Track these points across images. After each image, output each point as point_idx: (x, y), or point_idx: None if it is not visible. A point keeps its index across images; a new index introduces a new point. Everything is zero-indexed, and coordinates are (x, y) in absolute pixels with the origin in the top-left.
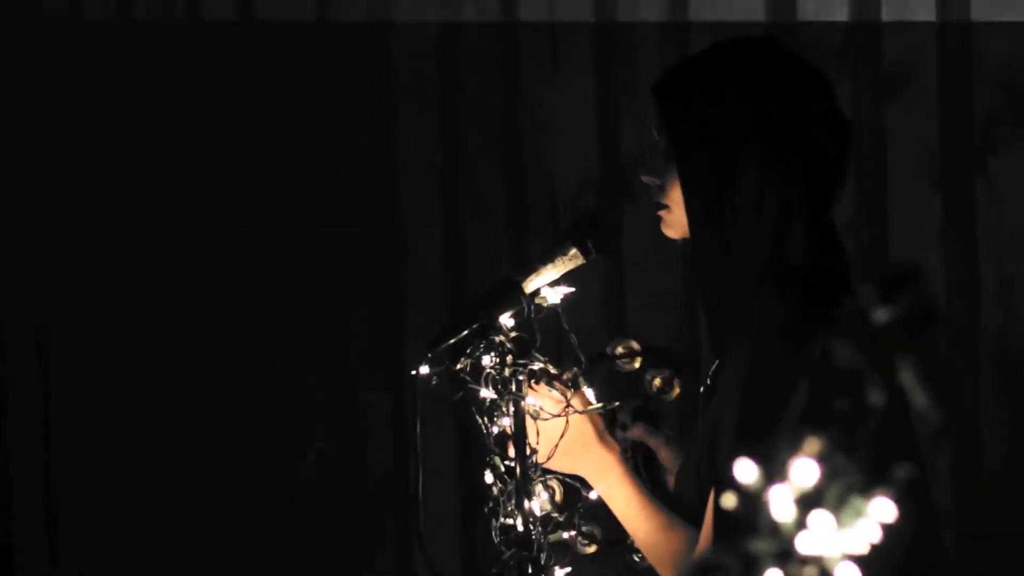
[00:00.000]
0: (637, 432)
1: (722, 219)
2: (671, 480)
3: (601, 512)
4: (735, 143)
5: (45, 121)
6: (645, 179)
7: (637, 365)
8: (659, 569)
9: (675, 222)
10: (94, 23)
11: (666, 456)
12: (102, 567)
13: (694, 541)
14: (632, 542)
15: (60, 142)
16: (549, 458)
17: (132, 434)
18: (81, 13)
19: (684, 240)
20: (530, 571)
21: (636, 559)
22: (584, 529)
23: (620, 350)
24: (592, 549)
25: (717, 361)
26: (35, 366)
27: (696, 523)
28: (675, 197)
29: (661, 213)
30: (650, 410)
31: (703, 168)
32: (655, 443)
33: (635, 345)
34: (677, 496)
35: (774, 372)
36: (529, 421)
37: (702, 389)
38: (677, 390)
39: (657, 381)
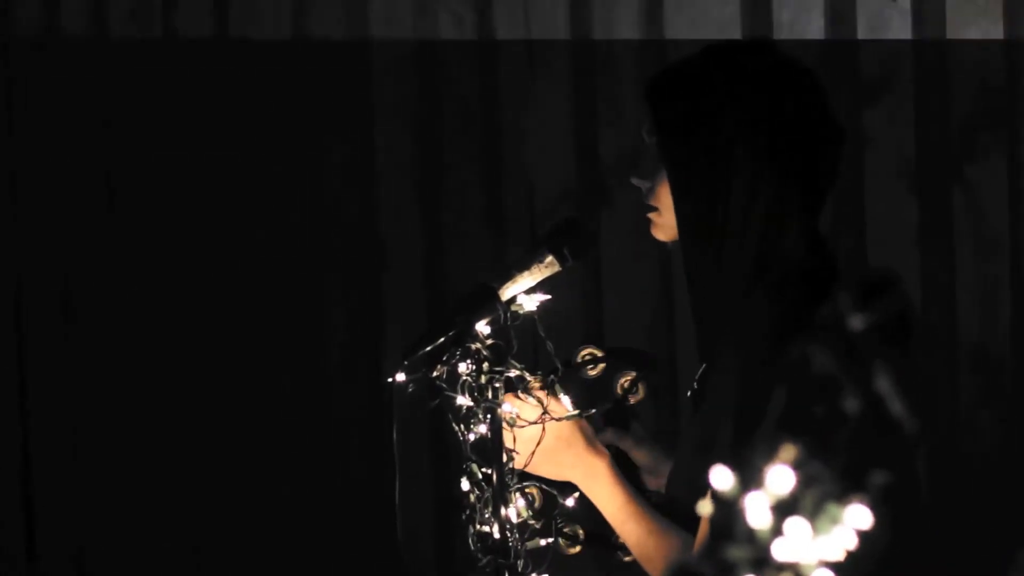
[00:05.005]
0: (608, 437)
1: (712, 224)
2: (648, 480)
3: (584, 513)
4: (726, 147)
5: (19, 137)
6: (635, 182)
7: (601, 370)
8: (652, 574)
9: (665, 225)
10: (69, 39)
11: (640, 456)
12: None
13: (688, 545)
14: (616, 539)
15: (31, 158)
16: (526, 465)
17: (110, 438)
18: (56, 30)
19: (673, 243)
20: None
21: (623, 557)
22: (566, 530)
23: (583, 357)
24: (576, 550)
25: (704, 365)
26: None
27: (689, 528)
28: (665, 200)
29: (651, 216)
30: (620, 412)
31: (693, 172)
32: (627, 444)
33: (597, 352)
34: (667, 499)
35: (764, 378)
36: (506, 428)
37: (689, 393)
38: (642, 392)
39: (623, 383)
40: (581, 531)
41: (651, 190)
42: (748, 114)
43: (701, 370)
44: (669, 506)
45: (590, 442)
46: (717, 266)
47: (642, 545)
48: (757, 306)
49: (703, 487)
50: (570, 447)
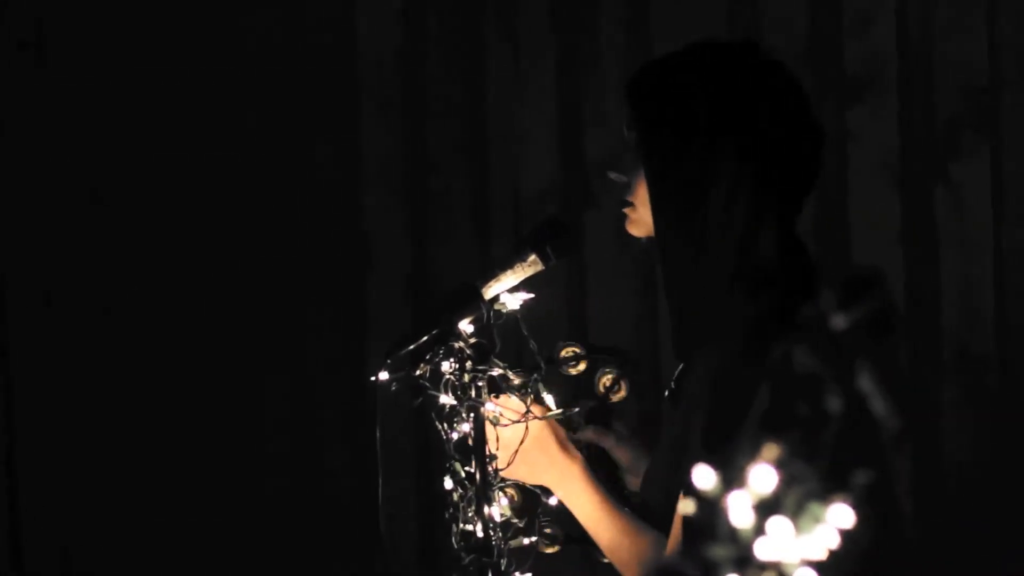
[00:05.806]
0: (588, 435)
1: (690, 222)
2: (629, 479)
3: (563, 515)
4: (704, 144)
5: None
6: (613, 176)
7: (583, 367)
8: (625, 574)
9: (640, 221)
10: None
11: (621, 454)
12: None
13: (661, 545)
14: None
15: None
16: (509, 464)
17: (93, 437)
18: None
19: (648, 239)
20: None
21: (601, 557)
22: (547, 531)
23: (564, 354)
24: (553, 549)
25: (681, 365)
26: None
27: (664, 528)
28: (642, 196)
29: (627, 211)
30: (603, 410)
31: (670, 168)
32: (609, 443)
33: (578, 348)
34: (642, 499)
35: (741, 378)
36: (488, 427)
37: (666, 393)
38: (624, 389)
39: (605, 380)
40: (559, 531)
41: (629, 185)
42: (728, 113)
43: (679, 369)
44: (644, 506)
45: (563, 445)
46: (694, 264)
47: (615, 546)
48: (734, 305)
49: (679, 485)
50: (543, 450)
